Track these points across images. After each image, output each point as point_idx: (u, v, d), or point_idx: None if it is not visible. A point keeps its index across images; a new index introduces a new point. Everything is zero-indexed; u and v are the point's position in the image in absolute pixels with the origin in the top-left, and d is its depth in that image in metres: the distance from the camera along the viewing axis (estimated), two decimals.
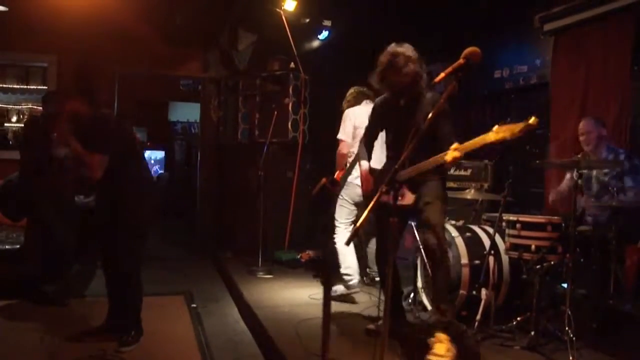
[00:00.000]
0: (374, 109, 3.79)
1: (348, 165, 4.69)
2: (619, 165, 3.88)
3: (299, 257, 6.09)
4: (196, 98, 8.85)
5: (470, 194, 4.26)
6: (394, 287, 3.57)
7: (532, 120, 2.42)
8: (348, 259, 4.58)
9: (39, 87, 6.99)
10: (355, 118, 4.67)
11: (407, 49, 3.27)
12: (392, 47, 3.31)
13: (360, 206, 4.62)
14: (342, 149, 4.72)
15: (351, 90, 5.01)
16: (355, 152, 4.55)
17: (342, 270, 4.56)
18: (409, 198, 3.22)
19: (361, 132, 4.50)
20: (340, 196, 4.68)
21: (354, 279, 4.56)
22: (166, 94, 10.40)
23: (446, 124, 3.18)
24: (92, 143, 3.48)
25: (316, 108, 6.51)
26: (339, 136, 4.74)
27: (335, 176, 4.75)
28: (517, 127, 2.49)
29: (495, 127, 2.60)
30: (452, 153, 2.82)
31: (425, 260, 3.72)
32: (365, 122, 4.50)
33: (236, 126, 7.00)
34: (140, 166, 3.82)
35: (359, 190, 4.49)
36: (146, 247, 3.88)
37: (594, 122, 4.08)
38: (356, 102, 4.89)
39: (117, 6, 6.12)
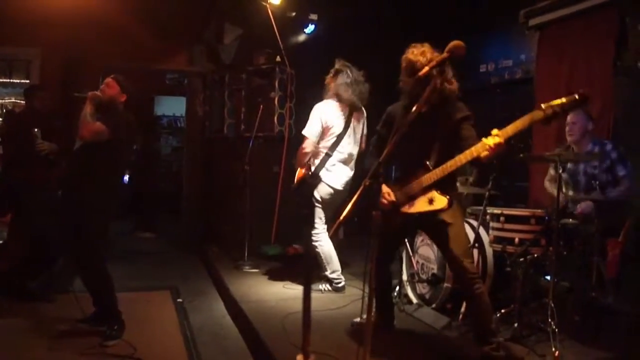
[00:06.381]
0: (389, 115, 3.36)
1: (318, 163, 4.51)
2: (598, 157, 3.90)
3: (285, 251, 6.09)
4: (182, 92, 8.80)
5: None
6: (384, 283, 3.58)
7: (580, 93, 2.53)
8: (333, 262, 4.56)
9: (23, 80, 6.90)
10: (326, 115, 4.46)
11: (426, 50, 3.03)
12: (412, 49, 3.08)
13: (327, 204, 4.55)
14: (307, 146, 4.46)
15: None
16: (325, 149, 4.49)
17: (330, 275, 4.56)
18: (419, 205, 3.04)
19: (333, 130, 4.46)
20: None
21: (342, 281, 4.58)
22: (152, 87, 10.30)
23: (470, 129, 3.02)
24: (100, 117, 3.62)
25: (302, 102, 6.50)
26: (305, 132, 4.48)
27: (297, 175, 4.63)
28: (568, 99, 2.56)
29: (542, 105, 2.62)
30: (493, 139, 2.65)
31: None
32: (334, 120, 4.47)
33: (222, 120, 6.96)
34: (116, 165, 3.85)
35: (327, 189, 4.50)
36: (109, 244, 3.87)
37: (582, 115, 4.04)
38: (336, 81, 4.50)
39: None
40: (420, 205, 3.06)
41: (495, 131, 2.69)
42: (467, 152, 2.80)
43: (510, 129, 2.67)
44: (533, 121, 2.65)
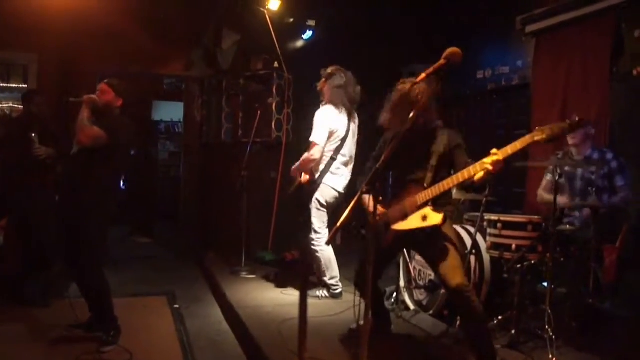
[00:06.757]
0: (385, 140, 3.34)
1: (322, 167, 4.49)
2: (597, 165, 3.92)
3: (282, 257, 6.08)
4: (180, 97, 8.80)
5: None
6: (373, 289, 3.55)
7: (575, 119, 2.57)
8: (333, 268, 4.55)
9: (20, 85, 6.89)
10: (330, 120, 4.41)
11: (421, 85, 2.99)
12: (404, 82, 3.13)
13: (330, 208, 4.55)
14: (315, 154, 4.38)
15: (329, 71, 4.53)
16: (330, 153, 4.48)
17: (328, 281, 4.55)
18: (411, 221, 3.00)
19: (338, 134, 4.46)
20: (314, 201, 4.50)
21: (340, 288, 4.57)
22: (150, 92, 10.30)
23: (464, 155, 3.07)
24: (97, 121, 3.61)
25: (300, 108, 6.51)
26: (313, 139, 4.39)
27: (303, 181, 4.54)
28: (563, 124, 2.59)
29: (538, 128, 2.64)
30: (491, 157, 2.65)
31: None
32: (338, 124, 4.46)
33: (220, 126, 6.96)
34: (114, 170, 3.83)
35: (333, 192, 4.50)
36: (106, 249, 3.85)
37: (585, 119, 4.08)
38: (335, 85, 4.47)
39: (99, 4, 6.07)
40: (413, 222, 3.02)
41: (494, 150, 2.69)
42: (465, 171, 2.79)
43: (510, 148, 2.67)
44: (533, 142, 2.66)
